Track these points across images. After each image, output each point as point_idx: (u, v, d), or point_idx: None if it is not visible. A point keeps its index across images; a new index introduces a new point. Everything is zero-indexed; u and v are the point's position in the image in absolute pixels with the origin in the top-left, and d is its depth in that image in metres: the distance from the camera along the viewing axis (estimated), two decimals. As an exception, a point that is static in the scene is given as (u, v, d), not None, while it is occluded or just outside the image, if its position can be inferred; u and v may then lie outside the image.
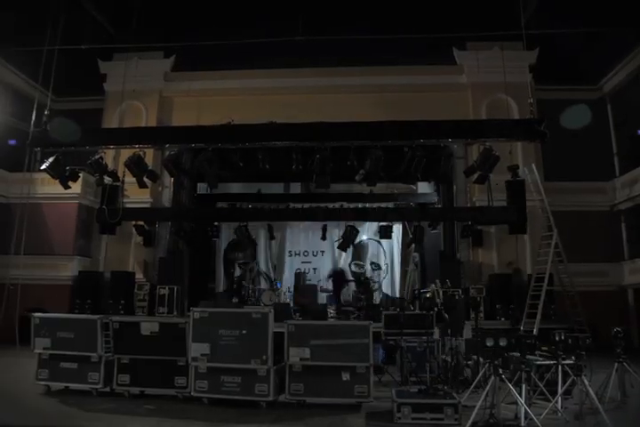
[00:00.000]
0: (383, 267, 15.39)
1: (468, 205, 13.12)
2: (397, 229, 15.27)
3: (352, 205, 13.66)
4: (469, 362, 7.56)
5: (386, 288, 15.24)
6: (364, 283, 13.41)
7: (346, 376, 6.10)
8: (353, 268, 14.91)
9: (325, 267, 15.62)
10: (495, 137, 9.69)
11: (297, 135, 9.81)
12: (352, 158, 9.74)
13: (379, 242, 15.29)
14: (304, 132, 9.82)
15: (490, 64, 12.93)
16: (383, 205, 14.15)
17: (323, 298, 13.70)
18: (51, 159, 10.16)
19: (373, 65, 13.80)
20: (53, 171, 10.27)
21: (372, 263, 15.32)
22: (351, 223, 12.87)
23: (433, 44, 12.24)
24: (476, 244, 12.88)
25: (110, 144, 10.74)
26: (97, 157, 10.62)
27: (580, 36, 11.66)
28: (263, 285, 15.08)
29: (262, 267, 15.63)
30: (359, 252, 15.46)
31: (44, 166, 10.21)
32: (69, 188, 11.01)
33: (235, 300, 12.82)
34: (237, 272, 15.14)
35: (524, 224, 11.48)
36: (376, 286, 14.16)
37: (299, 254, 15.99)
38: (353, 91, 13.71)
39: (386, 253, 15.74)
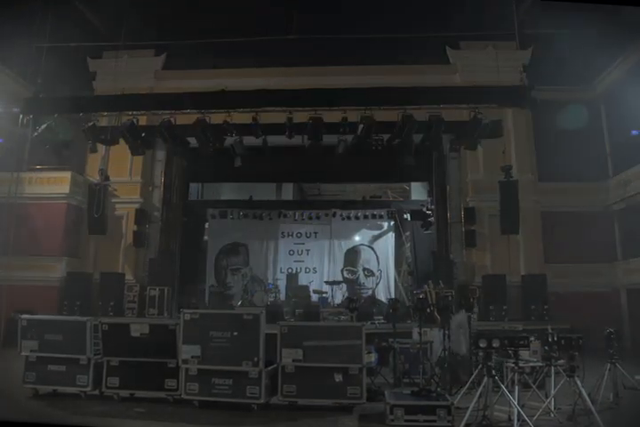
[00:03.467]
0: (376, 273, 15.09)
1: (462, 205, 13.07)
2: (390, 236, 15.16)
3: (345, 213, 14.55)
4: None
5: (381, 294, 14.98)
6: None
7: (338, 378, 6.05)
8: (345, 274, 14.74)
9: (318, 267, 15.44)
10: (484, 103, 9.71)
11: (290, 101, 9.87)
12: (344, 125, 9.95)
13: (371, 248, 15.11)
14: (297, 96, 9.90)
15: (483, 64, 12.92)
16: (375, 211, 14.69)
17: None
18: (43, 126, 10.08)
19: (366, 64, 13.71)
20: (46, 138, 10.34)
21: (364, 269, 15.11)
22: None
23: (426, 43, 12.21)
24: (470, 244, 12.83)
25: (104, 110, 10.63)
26: (90, 123, 10.52)
27: (573, 36, 11.65)
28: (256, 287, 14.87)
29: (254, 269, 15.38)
30: (352, 258, 15.16)
31: (36, 134, 10.14)
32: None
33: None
34: (229, 278, 14.83)
35: (517, 224, 11.48)
36: (369, 292, 14.01)
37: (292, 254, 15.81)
38: (346, 90, 13.60)
39: (379, 259, 15.35)
